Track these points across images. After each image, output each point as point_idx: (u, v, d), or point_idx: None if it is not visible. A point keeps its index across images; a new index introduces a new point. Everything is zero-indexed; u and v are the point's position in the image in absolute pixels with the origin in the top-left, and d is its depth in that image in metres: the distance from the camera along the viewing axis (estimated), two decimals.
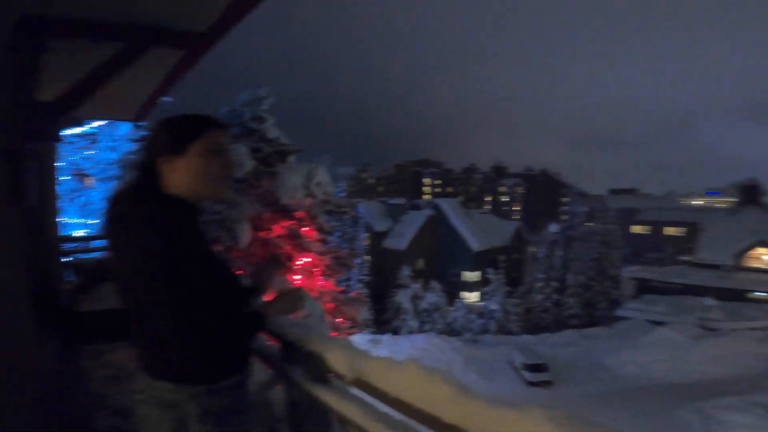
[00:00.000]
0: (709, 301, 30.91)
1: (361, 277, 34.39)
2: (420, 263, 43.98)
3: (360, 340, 26.74)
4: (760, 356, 23.44)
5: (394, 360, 1.28)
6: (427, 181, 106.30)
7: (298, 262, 11.75)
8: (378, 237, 44.96)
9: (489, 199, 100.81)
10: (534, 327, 35.07)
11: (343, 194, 42.57)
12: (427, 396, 1.13)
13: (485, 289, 35.62)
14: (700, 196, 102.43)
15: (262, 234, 10.77)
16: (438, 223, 46.07)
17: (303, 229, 11.23)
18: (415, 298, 35.03)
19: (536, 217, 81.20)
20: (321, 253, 12.04)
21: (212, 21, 2.98)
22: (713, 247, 42.35)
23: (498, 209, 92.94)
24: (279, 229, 10.71)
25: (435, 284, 36.60)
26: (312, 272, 12.24)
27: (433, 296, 35.25)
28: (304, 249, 11.52)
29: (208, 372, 1.21)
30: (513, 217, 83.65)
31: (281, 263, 1.44)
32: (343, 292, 13.68)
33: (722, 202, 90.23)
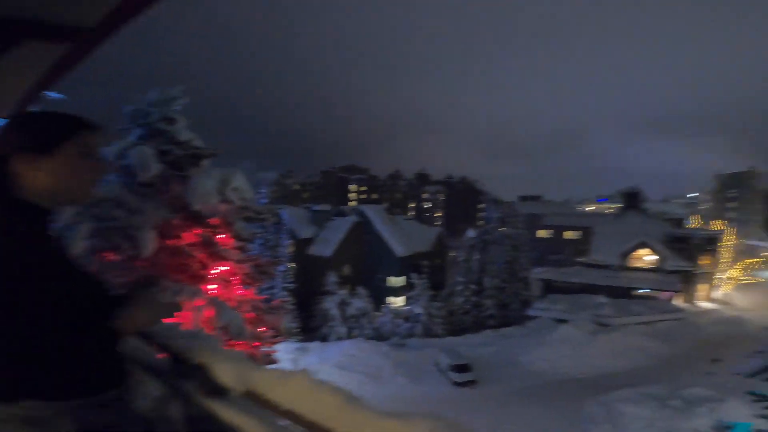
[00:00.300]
0: (602, 299, 34.66)
1: (286, 285, 33.59)
2: (346, 269, 43.96)
3: (286, 348, 26.07)
4: (646, 349, 26.94)
5: (284, 371, 1.26)
6: (353, 187, 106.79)
7: (213, 271, 11.09)
8: (303, 244, 44.16)
9: (413, 205, 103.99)
10: (457, 329, 36.53)
11: (265, 200, 41.18)
12: (317, 407, 1.13)
13: (410, 293, 36.57)
14: (592, 202, 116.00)
15: (170, 242, 9.97)
16: (363, 229, 46.43)
17: (218, 236, 10.60)
18: (343, 305, 35.01)
19: (456, 222, 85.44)
20: (239, 261, 11.48)
21: (102, 15, 2.74)
22: (603, 249, 47.83)
23: (421, 215, 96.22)
24: (190, 236, 10.00)
25: (361, 290, 36.91)
26: (230, 281, 11.64)
27: (360, 302, 35.47)
28: (220, 257, 10.91)
29: (52, 388, 1.12)
30: (435, 223, 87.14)
31: (157, 282, 1.35)
32: (265, 300, 13.12)
33: (610, 207, 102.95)
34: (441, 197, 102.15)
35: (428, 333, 33.16)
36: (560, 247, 54.30)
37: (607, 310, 32.60)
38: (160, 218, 9.10)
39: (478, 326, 36.70)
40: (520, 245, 43.16)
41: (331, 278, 37.32)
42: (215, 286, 11.19)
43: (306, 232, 45.45)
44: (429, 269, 38.49)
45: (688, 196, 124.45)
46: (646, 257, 44.99)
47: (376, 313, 35.75)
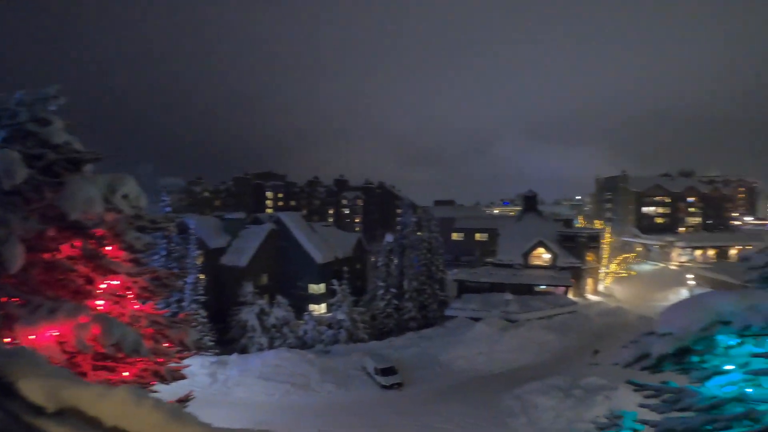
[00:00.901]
0: (508, 296, 37.50)
1: (196, 297, 31.88)
2: (264, 279, 42.36)
3: (202, 363, 25.14)
4: (547, 343, 29.65)
5: (104, 387, 1.20)
6: (269, 194, 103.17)
7: (101, 286, 10.00)
8: (214, 254, 41.64)
9: (332, 211, 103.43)
10: (380, 332, 37.02)
11: (168, 208, 38.02)
12: (141, 423, 1.09)
13: (332, 300, 36.31)
14: (497, 205, 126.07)
15: (46, 256, 8.77)
16: (281, 237, 45.10)
17: (105, 248, 9.55)
18: (262, 315, 33.98)
19: (375, 227, 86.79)
20: (133, 275, 10.49)
21: None
22: (508, 249, 51.93)
23: (340, 221, 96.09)
24: (70, 249, 8.87)
25: (281, 299, 35.96)
26: (123, 296, 10.59)
27: (281, 311, 34.58)
28: (108, 270, 9.87)
29: None
30: (354, 229, 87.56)
31: None
32: (171, 314, 12.11)
33: (512, 210, 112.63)
34: (360, 203, 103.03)
35: (353, 338, 33.23)
36: (472, 248, 57.82)
37: (513, 307, 35.31)
38: (30, 230, 7.95)
39: (400, 329, 37.48)
40: (435, 248, 45.00)
41: (248, 288, 35.94)
42: (103, 301, 10.11)
43: (218, 242, 42.93)
44: (350, 275, 38.63)
45: (575, 198, 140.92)
46: (544, 255, 49.71)
47: (298, 322, 35.03)
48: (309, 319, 34.45)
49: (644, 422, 5.88)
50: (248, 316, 33.42)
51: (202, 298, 32.27)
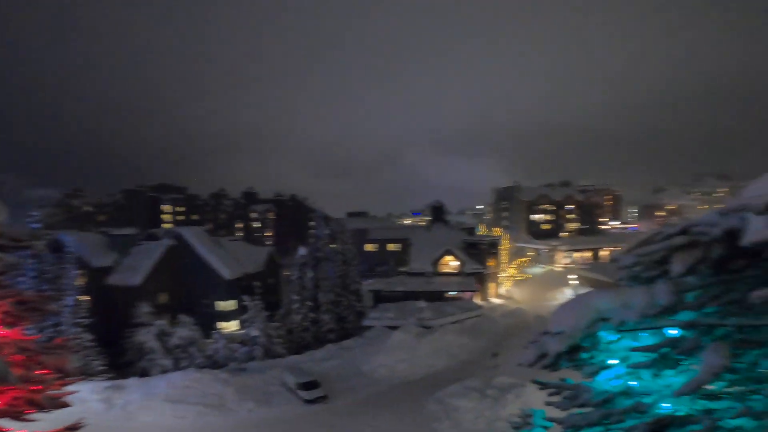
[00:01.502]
0: (422, 303, 38.91)
1: (78, 320, 29.02)
2: (162, 298, 38.45)
3: (93, 388, 23.22)
4: (460, 346, 31.11)
5: None
6: (167, 208, 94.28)
7: None
8: (99, 273, 36.90)
9: (240, 225, 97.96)
10: (298, 346, 36.07)
11: (38, 224, 33.12)
12: None
13: (244, 316, 34.65)
14: (408, 216, 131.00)
15: None
16: (182, 253, 41.45)
17: None
18: (163, 335, 31.41)
19: (288, 240, 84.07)
20: None
21: None
22: (419, 258, 54.02)
23: (250, 235, 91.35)
24: None
25: (185, 318, 33.75)
26: None
27: (185, 330, 32.32)
28: None
29: None
30: (265, 243, 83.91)
31: None
32: (46, 339, 10.39)
33: (422, 220, 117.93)
34: (271, 216, 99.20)
35: (269, 354, 32.11)
36: (385, 258, 58.94)
37: (427, 314, 36.69)
38: None
39: (319, 342, 37.00)
40: (350, 260, 44.99)
41: (144, 308, 33.17)
42: None
43: (103, 260, 38.21)
44: (262, 290, 37.11)
45: (477, 207, 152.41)
46: (452, 263, 52.60)
47: (207, 341, 32.89)
48: (219, 337, 32.30)
49: (552, 420, 6.13)
50: (146, 337, 30.87)
51: (86, 321, 29.33)
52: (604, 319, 4.55)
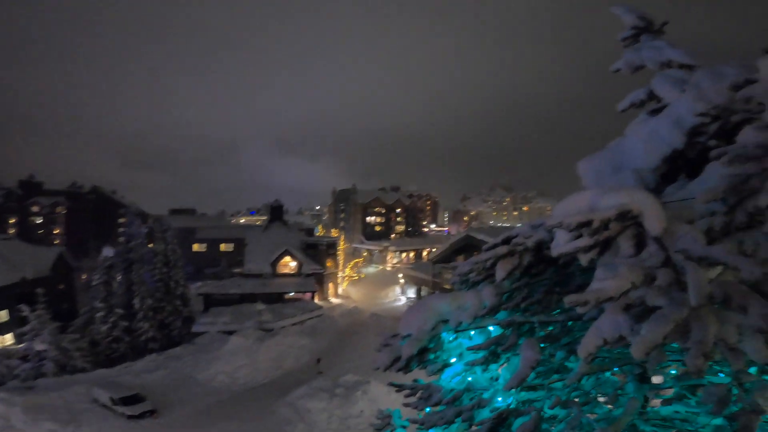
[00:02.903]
0: (260, 306, 36.90)
1: None
2: None
3: None
4: (303, 347, 30.48)
5: None
6: None
7: None
8: None
9: (14, 220, 76.16)
10: (108, 359, 32.00)
11: None
12: None
13: (23, 329, 29.18)
14: (244, 215, 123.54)
15: None
16: None
17: None
18: None
19: (87, 240, 69.05)
20: None
21: None
22: (256, 259, 51.28)
23: (30, 233, 71.75)
24: None
25: None
26: None
27: None
28: None
29: None
30: (54, 242, 67.63)
31: None
32: None
33: (258, 219, 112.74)
34: (62, 211, 79.94)
35: (66, 369, 28.13)
36: (217, 259, 54.09)
37: (267, 316, 35.04)
38: None
39: (137, 352, 33.05)
40: (174, 261, 39.86)
41: None
42: None
43: None
44: (49, 298, 30.42)
45: (315, 208, 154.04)
46: (291, 263, 51.58)
47: None
48: None
49: (412, 420, 6.18)
50: None
51: None
52: (444, 321, 4.85)
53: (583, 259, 3.35)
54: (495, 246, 4.63)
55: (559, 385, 4.70)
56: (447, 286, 43.21)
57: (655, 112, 5.41)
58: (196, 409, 21.79)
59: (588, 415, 4.44)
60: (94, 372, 27.86)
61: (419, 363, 5.23)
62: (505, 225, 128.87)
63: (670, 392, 4.71)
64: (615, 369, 4.47)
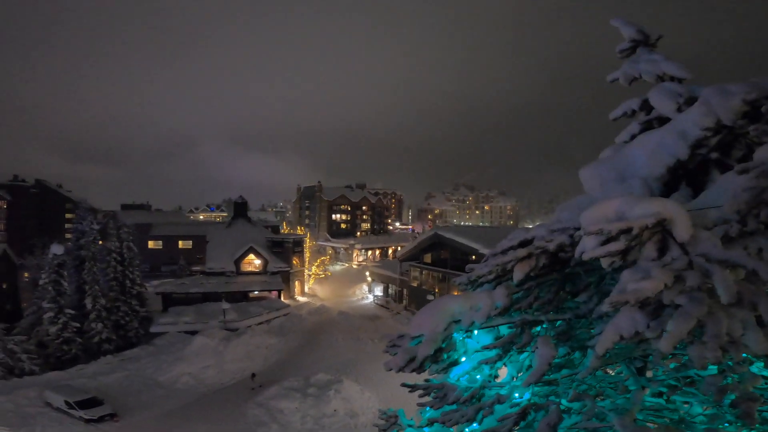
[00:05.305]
0: (225, 305, 35.65)
1: None
2: None
3: None
4: (271, 346, 29.81)
5: None
6: None
7: None
8: None
9: None
10: (59, 361, 30.05)
11: None
12: None
13: None
14: (204, 211, 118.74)
15: None
16: None
17: None
18: None
19: (30, 236, 64.11)
20: None
21: None
22: (218, 257, 49.68)
23: None
24: None
25: None
26: None
27: None
28: None
29: None
30: None
31: None
32: None
33: (219, 216, 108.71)
34: (2, 205, 73.78)
35: (13, 372, 26.60)
36: (175, 257, 51.76)
37: (232, 315, 33.97)
38: None
39: (90, 354, 31.22)
40: (129, 259, 37.81)
41: None
42: None
43: None
44: None
45: (279, 205, 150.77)
46: (255, 261, 50.37)
47: None
48: None
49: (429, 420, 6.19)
50: None
51: None
52: (457, 321, 4.97)
53: (606, 262, 3.58)
54: (511, 248, 4.79)
55: (566, 380, 4.95)
56: (414, 284, 43.77)
57: (647, 123, 5.80)
58: (161, 412, 20.92)
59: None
60: (45, 375, 26.38)
61: (434, 363, 5.29)
62: (468, 224, 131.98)
63: (658, 384, 5.08)
64: (618, 363, 4.78)
